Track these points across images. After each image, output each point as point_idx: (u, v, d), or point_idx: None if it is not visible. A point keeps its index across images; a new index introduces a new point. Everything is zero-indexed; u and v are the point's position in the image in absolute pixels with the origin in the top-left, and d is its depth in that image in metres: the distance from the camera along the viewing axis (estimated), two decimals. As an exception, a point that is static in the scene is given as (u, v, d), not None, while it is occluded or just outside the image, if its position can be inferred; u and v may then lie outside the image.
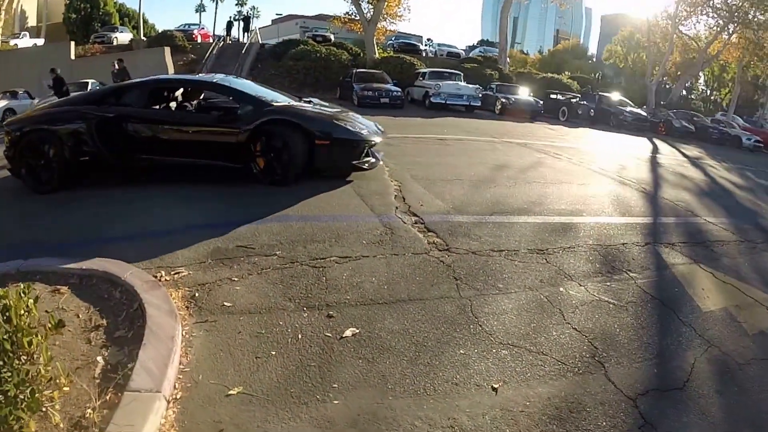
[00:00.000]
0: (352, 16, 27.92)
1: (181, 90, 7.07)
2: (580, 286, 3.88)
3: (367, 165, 6.21)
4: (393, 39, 33.17)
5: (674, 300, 3.96)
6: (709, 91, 55.89)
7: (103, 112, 5.77)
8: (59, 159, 5.60)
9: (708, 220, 6.83)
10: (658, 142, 18.81)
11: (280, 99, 6.39)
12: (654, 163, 12.13)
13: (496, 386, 2.52)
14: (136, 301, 2.96)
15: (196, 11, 68.65)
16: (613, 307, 3.60)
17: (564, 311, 3.41)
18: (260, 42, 31.22)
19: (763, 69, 38.26)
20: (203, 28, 37.91)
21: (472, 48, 49.91)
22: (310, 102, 6.92)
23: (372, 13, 26.42)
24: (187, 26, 35.70)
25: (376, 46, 26.78)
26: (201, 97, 7.39)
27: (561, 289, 3.76)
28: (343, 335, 2.86)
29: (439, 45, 38.90)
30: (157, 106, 6.34)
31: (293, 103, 6.41)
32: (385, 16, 27.25)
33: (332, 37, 32.86)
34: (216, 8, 78.59)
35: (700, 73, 43.93)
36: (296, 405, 2.27)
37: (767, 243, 6.42)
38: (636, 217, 6.27)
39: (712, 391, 2.86)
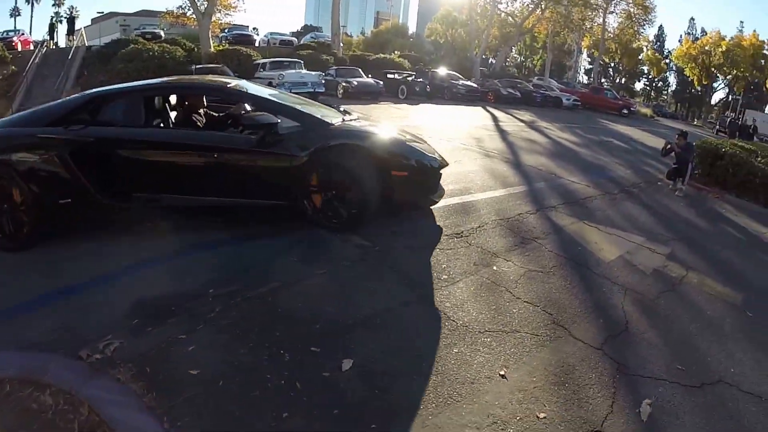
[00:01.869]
0: (184, 10, 26.90)
1: (188, 101, 5.37)
2: (507, 261, 4.51)
3: (438, 198, 5.36)
4: (227, 31, 32.57)
5: (582, 257, 4.83)
6: (522, 59, 63.84)
7: (77, 135, 4.40)
8: (27, 203, 4.26)
9: (570, 179, 8.18)
10: (492, 110, 21.22)
11: (330, 114, 5.25)
12: (502, 132, 13.78)
13: (502, 373, 2.95)
14: (81, 405, 2.40)
15: (11, 16, 61.17)
16: (542, 275, 4.29)
17: (509, 288, 3.98)
18: (86, 44, 28.75)
19: (571, 38, 45.58)
20: (23, 34, 34.14)
21: (298, 34, 50.33)
22: (347, 114, 5.68)
23: (206, 5, 26.16)
24: (5, 33, 33.14)
25: (211, 39, 26.20)
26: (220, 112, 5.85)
27: (494, 268, 4.33)
28: (342, 367, 2.86)
29: (271, 34, 39.18)
30: (160, 124, 4.87)
31: (353, 121, 5.29)
32: (220, 8, 27.09)
33: (162, 33, 31.56)
34: (32, 11, 68.00)
35: (514, 44, 50.25)
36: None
37: (623, 193, 7.96)
38: (515, 187, 7.26)
39: (646, 326, 3.77)
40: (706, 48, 46.25)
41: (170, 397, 2.50)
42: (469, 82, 26.43)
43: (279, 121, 4.48)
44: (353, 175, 4.44)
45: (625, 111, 31.57)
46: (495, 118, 17.78)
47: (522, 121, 18.01)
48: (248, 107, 5.23)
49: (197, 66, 19.81)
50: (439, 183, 5.28)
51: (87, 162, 4.35)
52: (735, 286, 4.84)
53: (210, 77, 6.78)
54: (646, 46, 54.07)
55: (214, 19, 26.67)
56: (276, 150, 4.44)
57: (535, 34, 48.44)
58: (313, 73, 20.57)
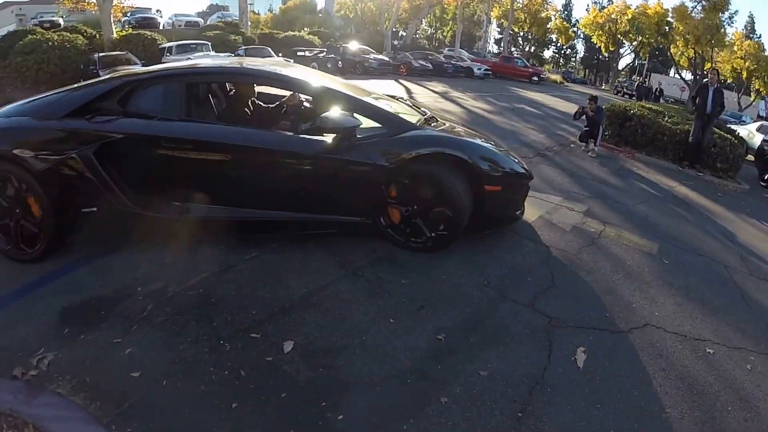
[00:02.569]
0: (84, -6, 24.90)
1: (236, 90, 4.70)
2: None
3: (521, 214, 4.80)
4: (129, 15, 30.64)
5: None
6: (433, 31, 64.82)
7: (105, 129, 3.71)
8: (42, 211, 3.64)
9: (490, 146, 8.33)
10: (405, 82, 21.47)
11: (409, 113, 4.59)
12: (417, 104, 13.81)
13: (440, 337, 3.01)
14: (26, 426, 2.26)
15: None
16: (468, 240, 4.31)
17: (437, 256, 4.00)
18: (-20, 39, 25.61)
19: (481, 9, 46.68)
20: None
21: (205, 14, 48.44)
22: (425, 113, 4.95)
23: (108, -12, 24.24)
24: None
25: (113, 25, 24.47)
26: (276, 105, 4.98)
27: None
28: (284, 350, 2.82)
29: (176, 15, 37.57)
30: (206, 118, 4.10)
31: (436, 123, 4.58)
32: (121, -10, 25.31)
33: (62, 21, 29.10)
34: None
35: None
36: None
37: (538, 156, 8.28)
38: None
39: (572, 280, 3.98)
40: (613, 16, 48.68)
41: (115, 404, 2.39)
42: (381, 56, 26.74)
43: (361, 123, 3.86)
44: (445, 189, 3.85)
45: (536, 78, 33.12)
46: (408, 91, 17.94)
47: (435, 92, 18.32)
48: (301, 98, 4.76)
49: (101, 54, 18.66)
50: (526, 198, 4.78)
51: (116, 162, 3.69)
52: (651, 237, 5.20)
53: (267, 62, 5.41)
54: (554, 15, 56.30)
55: (115, 2, 24.92)
56: (353, 157, 3.76)
57: (445, 6, 49.15)
58: (222, 54, 20.28)
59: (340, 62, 23.46)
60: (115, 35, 24.08)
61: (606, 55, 56.45)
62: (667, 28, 44.50)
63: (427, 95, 16.97)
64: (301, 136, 3.91)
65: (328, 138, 3.74)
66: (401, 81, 22.02)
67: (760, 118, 26.62)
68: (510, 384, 2.70)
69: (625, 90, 38.88)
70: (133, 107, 3.83)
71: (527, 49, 60.59)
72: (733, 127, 13.97)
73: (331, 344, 2.87)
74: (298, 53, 24.24)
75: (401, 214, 3.97)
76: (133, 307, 3.12)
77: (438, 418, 2.42)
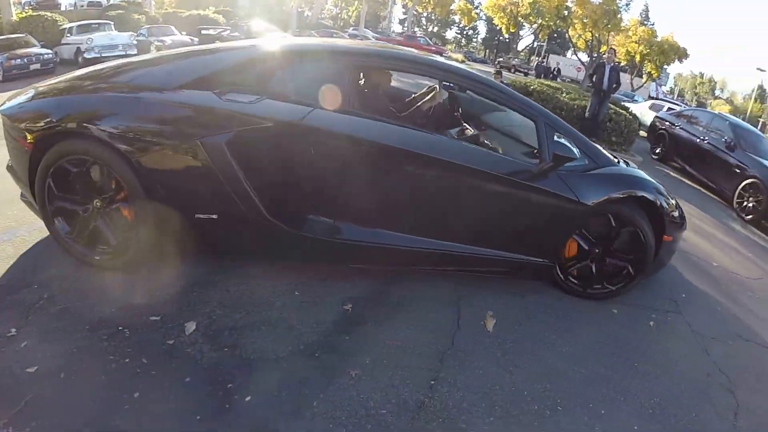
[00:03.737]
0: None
1: (374, 79, 4.14)
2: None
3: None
4: None
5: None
6: (338, 11, 64.52)
7: (244, 111, 2.91)
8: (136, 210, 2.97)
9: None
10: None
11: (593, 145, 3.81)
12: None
13: (346, 307, 3.02)
14: None
15: None
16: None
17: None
18: None
19: None
20: None
21: None
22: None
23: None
24: None
25: (12, 6, 22.66)
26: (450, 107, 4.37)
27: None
28: (186, 331, 2.66)
29: None
30: (375, 113, 3.25)
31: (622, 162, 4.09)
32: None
33: None
34: None
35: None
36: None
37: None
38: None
39: None
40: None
41: (10, 404, 2.15)
42: (285, 35, 26.34)
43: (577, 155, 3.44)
44: (639, 238, 3.51)
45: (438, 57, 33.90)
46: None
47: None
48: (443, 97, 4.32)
49: (-1, 37, 17.33)
50: None
51: (256, 157, 2.93)
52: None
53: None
54: (458, -3, 57.60)
55: (14, -15, 23.01)
56: (555, 189, 3.25)
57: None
58: (124, 34, 19.54)
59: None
60: (15, 17, 22.62)
61: (506, 36, 58.58)
62: (566, 12, 46.70)
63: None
64: (508, 157, 3.37)
65: (536, 163, 3.27)
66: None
67: (651, 98, 28.63)
68: (421, 352, 2.73)
69: (501, 65, 40.54)
70: (273, 87, 3.02)
71: (430, 29, 61.67)
72: (626, 105, 14.92)
73: (234, 322, 2.76)
74: (203, 32, 23.56)
75: (585, 258, 3.58)
76: (28, 297, 2.82)
77: (349, 391, 2.40)
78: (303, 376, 2.46)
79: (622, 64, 45.71)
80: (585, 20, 43.45)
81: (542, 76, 28.81)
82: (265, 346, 2.63)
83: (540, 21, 49.28)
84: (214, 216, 2.96)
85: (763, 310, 4.39)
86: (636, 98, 28.11)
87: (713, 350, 3.47)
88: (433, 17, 62.08)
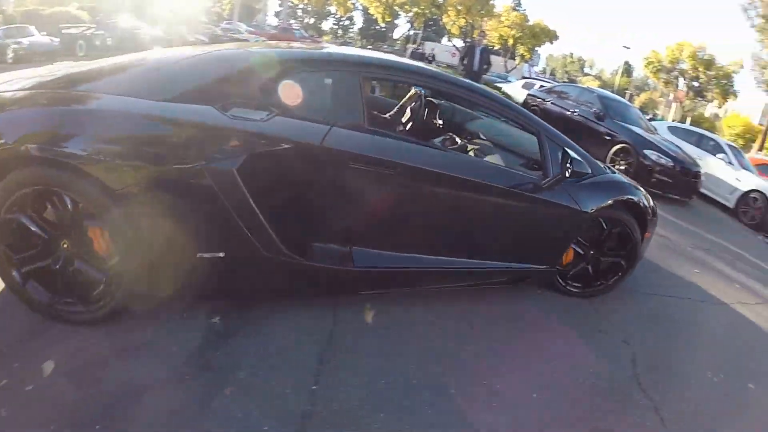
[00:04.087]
0: None
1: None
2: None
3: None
4: None
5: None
6: (211, 4, 62.49)
7: (257, 130, 2.51)
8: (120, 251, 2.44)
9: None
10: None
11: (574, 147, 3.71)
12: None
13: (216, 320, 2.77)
14: None
15: None
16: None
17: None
18: None
19: None
20: None
21: None
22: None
23: None
24: None
25: None
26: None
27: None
28: (44, 373, 2.36)
29: None
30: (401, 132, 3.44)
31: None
32: None
33: None
34: None
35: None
36: None
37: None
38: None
39: None
40: (390, -12, 51.11)
41: None
42: (154, 31, 24.93)
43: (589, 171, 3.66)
44: (630, 239, 3.83)
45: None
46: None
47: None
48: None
49: None
50: None
51: (269, 185, 2.60)
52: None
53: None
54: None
55: None
56: (561, 200, 3.36)
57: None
58: None
59: (109, 39, 21.37)
60: None
61: (383, 25, 59.35)
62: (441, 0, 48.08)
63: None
64: (519, 172, 3.40)
65: (541, 175, 3.32)
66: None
67: (524, 78, 30.20)
68: (299, 357, 2.57)
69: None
70: (279, 101, 2.67)
71: (306, 20, 61.14)
72: (500, 85, 15.52)
73: (97, 355, 2.42)
74: (63, 30, 21.47)
75: (576, 259, 3.82)
76: None
77: (225, 412, 2.18)
78: (175, 405, 2.20)
79: (496, 48, 47.85)
80: (459, 7, 45.01)
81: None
82: (132, 376, 2.33)
83: (415, 9, 50.34)
84: (221, 254, 2.58)
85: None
86: (509, 79, 29.52)
87: (601, 308, 3.74)
88: (309, 8, 61.49)
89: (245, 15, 54.66)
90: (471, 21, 46.16)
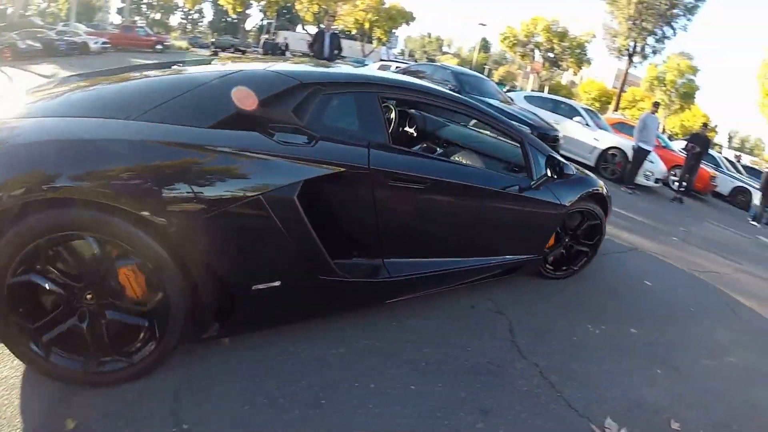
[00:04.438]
0: None
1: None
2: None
3: None
4: None
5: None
6: (46, 5, 57.11)
7: (309, 156, 2.45)
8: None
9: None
10: (6, 69, 18.01)
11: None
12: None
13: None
14: None
15: None
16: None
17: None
18: None
19: None
20: None
21: None
22: None
23: None
24: None
25: None
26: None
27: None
28: None
29: None
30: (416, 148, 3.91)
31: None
32: None
33: None
34: None
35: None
36: None
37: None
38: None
39: None
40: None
41: None
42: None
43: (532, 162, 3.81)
44: (599, 225, 4.51)
45: (159, 46, 33.30)
46: (11, 80, 15.18)
47: (44, 76, 15.87)
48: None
49: None
50: None
51: (324, 209, 2.68)
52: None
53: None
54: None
55: None
56: (547, 198, 3.83)
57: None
58: None
59: None
60: None
61: (234, 17, 57.55)
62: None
63: (36, 82, 14.56)
64: (505, 173, 3.93)
65: (528, 176, 3.74)
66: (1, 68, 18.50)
67: (381, 61, 30.57)
68: (152, 397, 2.26)
69: (215, 46, 40.82)
70: (318, 123, 2.66)
71: (152, 16, 57.90)
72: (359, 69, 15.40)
73: None
74: None
75: (563, 248, 4.52)
76: None
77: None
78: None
79: (353, 33, 48.10)
80: (312, -8, 44.67)
81: (270, 53, 29.28)
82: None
83: None
84: (277, 283, 2.50)
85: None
86: (366, 63, 29.75)
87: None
88: (154, 3, 58.15)
89: (85, 14, 50.65)
90: (325, 6, 45.91)
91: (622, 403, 3.01)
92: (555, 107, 12.35)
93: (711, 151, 17.76)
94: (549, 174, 3.82)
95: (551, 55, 48.20)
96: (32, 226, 1.96)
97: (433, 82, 10.68)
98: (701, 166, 12.90)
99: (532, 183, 3.71)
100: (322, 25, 43.85)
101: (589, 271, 4.77)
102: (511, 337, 3.36)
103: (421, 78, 11.10)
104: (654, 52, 41.51)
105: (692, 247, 7.68)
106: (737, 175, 18.06)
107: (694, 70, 43.90)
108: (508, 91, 17.22)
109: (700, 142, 12.40)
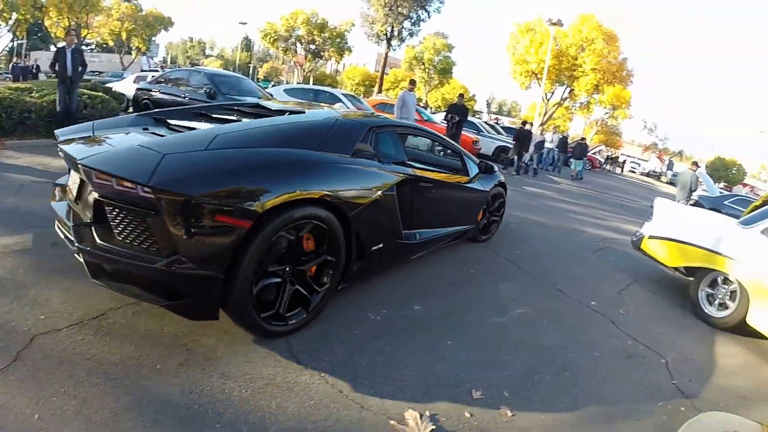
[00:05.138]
0: None
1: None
2: None
3: None
4: None
5: None
6: None
7: (396, 170, 4.23)
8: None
9: None
10: None
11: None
12: None
13: None
14: None
15: None
16: None
17: None
18: None
19: None
20: None
21: None
22: None
23: None
24: None
25: None
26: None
27: None
28: None
29: None
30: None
31: None
32: None
33: None
34: None
35: None
36: None
37: None
38: None
39: None
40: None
41: None
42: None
43: (463, 164, 6.00)
44: (503, 202, 6.89)
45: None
46: None
47: None
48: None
49: None
50: None
51: (401, 200, 4.21)
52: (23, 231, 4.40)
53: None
54: None
55: None
56: (480, 187, 6.06)
57: None
58: None
59: None
60: None
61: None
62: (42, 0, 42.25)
63: None
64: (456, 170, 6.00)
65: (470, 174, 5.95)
66: None
67: (143, 71, 28.63)
68: None
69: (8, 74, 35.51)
70: (377, 150, 4.13)
71: None
72: (113, 84, 14.21)
73: None
74: None
75: (483, 221, 6.41)
76: None
77: None
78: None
79: (110, 44, 44.52)
80: (60, 5, 40.26)
81: (21, 78, 25.75)
82: None
83: (16, 16, 43.43)
84: (381, 245, 3.96)
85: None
86: (124, 75, 27.74)
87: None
88: None
89: None
90: (76, 19, 41.78)
91: (418, 387, 2.94)
92: (316, 97, 12.37)
93: (471, 118, 19.54)
94: (478, 171, 6.02)
95: (313, 47, 48.92)
96: (287, 217, 2.96)
97: (190, 87, 10.14)
98: (463, 132, 13.89)
99: (469, 179, 5.84)
100: (62, 43, 39.93)
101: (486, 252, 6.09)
102: (290, 349, 3.12)
103: (180, 84, 10.53)
104: (411, 35, 44.55)
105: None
106: (497, 136, 19.96)
107: (450, 48, 47.57)
108: (274, 85, 17.00)
109: (458, 112, 13.41)
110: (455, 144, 6.14)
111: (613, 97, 40.15)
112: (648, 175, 54.97)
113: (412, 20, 43.34)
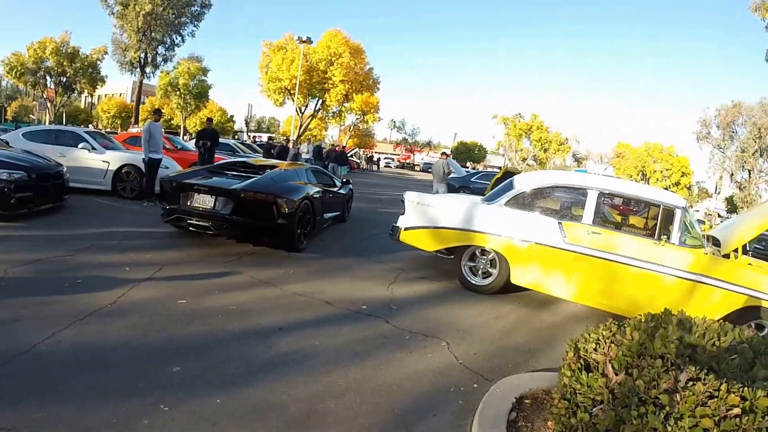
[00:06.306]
0: None
1: None
2: None
3: None
4: None
5: None
6: None
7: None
8: None
9: None
10: None
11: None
12: None
13: None
14: None
15: None
16: None
17: None
18: None
19: None
20: None
21: None
22: None
23: None
24: None
25: None
26: None
27: None
28: None
29: None
30: None
31: None
32: None
33: None
34: None
35: None
36: None
37: None
38: None
39: None
40: None
41: None
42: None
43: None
44: (349, 201, 11.67)
45: None
46: None
47: None
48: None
49: None
50: None
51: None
52: None
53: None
54: None
55: None
56: (341, 191, 10.49)
57: None
58: None
59: None
60: None
61: None
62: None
63: None
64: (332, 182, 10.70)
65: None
66: None
67: None
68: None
69: None
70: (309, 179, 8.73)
71: None
72: None
73: None
74: None
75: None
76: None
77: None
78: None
79: None
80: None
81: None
82: None
83: None
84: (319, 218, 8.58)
85: None
86: None
87: None
88: None
89: None
90: None
91: None
92: (58, 138, 10.77)
93: (227, 140, 19.63)
94: (340, 183, 10.68)
95: (64, 79, 43.61)
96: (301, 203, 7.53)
97: None
98: (216, 155, 13.44)
99: (339, 187, 10.30)
100: None
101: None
102: None
103: None
104: (165, 60, 42.08)
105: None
106: (252, 154, 19.79)
107: (205, 71, 46.04)
108: (17, 128, 14.50)
109: (208, 136, 12.99)
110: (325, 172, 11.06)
111: (362, 104, 43.17)
112: (403, 167, 62.51)
113: (166, 45, 41.05)
